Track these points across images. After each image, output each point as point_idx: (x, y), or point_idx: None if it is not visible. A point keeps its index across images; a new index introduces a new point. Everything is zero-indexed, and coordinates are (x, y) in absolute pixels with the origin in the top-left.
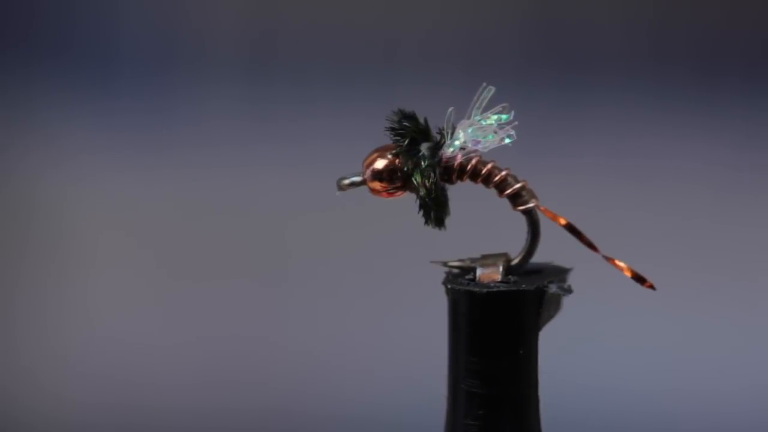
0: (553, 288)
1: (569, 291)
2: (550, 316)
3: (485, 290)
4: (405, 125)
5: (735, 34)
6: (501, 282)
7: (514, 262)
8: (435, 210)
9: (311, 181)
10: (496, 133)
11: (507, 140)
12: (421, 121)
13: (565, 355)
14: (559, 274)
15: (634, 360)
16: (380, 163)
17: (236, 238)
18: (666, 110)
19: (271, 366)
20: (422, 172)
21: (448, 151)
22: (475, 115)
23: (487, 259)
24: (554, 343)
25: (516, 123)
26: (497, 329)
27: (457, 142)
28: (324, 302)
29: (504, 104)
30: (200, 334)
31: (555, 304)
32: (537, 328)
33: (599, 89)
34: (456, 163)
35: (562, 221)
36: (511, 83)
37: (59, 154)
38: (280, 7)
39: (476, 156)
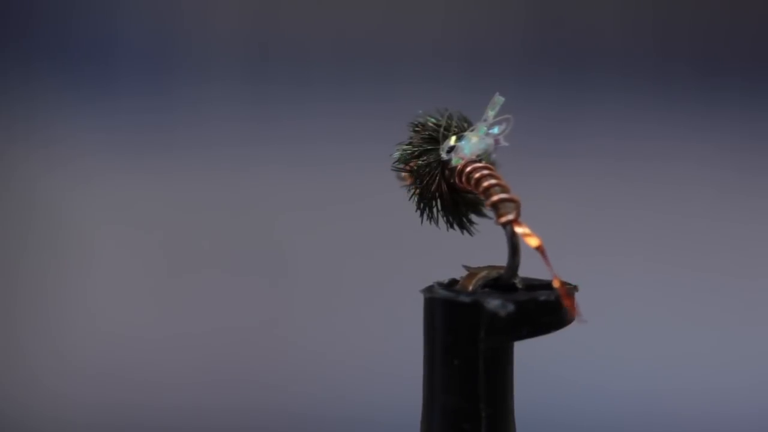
0: (491, 304)
1: (507, 310)
2: (525, 334)
3: (428, 296)
4: (421, 123)
5: (737, 34)
6: (453, 290)
7: (500, 275)
8: (444, 213)
9: (311, 181)
10: (482, 139)
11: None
12: (454, 122)
13: (565, 355)
14: (542, 294)
15: (634, 360)
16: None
17: (237, 238)
18: (667, 110)
19: (274, 365)
20: (415, 171)
21: (443, 154)
22: (483, 121)
23: (481, 269)
24: (553, 344)
25: (505, 133)
26: (436, 336)
27: (451, 148)
28: (325, 301)
29: (507, 116)
30: (201, 335)
31: (531, 323)
32: (477, 341)
33: (600, 89)
34: (459, 166)
35: (534, 242)
36: (511, 82)
37: (59, 154)
38: (279, 7)
39: (479, 162)
